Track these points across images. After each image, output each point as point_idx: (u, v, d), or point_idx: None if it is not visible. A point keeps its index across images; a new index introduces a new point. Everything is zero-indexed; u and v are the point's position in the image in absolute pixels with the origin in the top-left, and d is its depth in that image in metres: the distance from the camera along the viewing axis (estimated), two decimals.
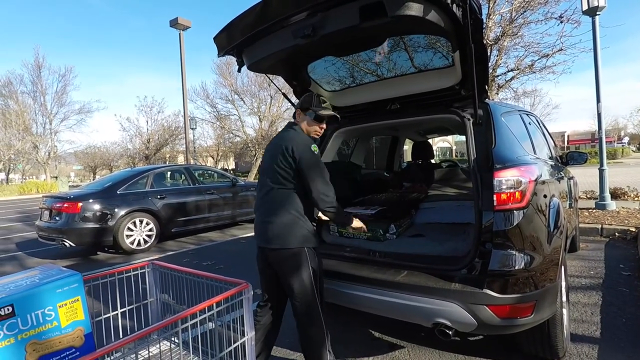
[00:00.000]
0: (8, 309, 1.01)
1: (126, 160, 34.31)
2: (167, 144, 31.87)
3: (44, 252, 6.40)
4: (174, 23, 11.95)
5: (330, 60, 2.61)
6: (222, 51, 2.26)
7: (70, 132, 36.42)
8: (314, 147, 1.90)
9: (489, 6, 7.56)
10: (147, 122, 31.64)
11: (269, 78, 3.04)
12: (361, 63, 2.67)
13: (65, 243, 5.53)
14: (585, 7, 6.42)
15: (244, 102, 27.28)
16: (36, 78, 32.28)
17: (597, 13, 6.40)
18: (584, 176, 11.21)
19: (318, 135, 2.08)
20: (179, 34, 12.23)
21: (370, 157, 4.95)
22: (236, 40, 2.12)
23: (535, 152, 2.59)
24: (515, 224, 1.85)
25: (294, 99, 3.08)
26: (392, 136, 4.69)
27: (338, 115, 2.12)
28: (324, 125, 2.07)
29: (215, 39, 2.24)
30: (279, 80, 2.94)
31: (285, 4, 1.79)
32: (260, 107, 27.38)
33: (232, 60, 2.41)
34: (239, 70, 2.46)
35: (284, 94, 3.14)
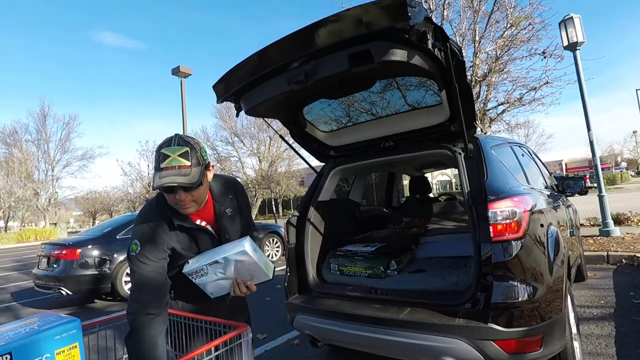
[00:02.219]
0: (6, 357, 1.00)
1: (126, 204, 34.37)
2: None
3: (39, 301, 6.26)
4: (176, 71, 12.41)
5: (324, 102, 2.71)
6: (221, 98, 2.36)
7: (72, 178, 36.70)
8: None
9: (474, 46, 7.93)
10: (147, 165, 32.02)
11: (266, 121, 3.15)
12: (356, 103, 2.77)
13: (62, 291, 5.42)
14: (565, 43, 6.75)
15: (244, 144, 27.81)
16: (41, 126, 33.14)
17: (577, 48, 6.71)
18: (585, 203, 11.21)
19: (185, 208, 1.33)
20: (181, 81, 12.68)
21: (369, 193, 5.00)
22: (234, 88, 2.22)
23: (528, 182, 2.63)
24: (514, 255, 1.85)
25: (291, 141, 3.17)
26: (389, 172, 4.76)
27: (183, 167, 1.25)
28: (181, 194, 1.29)
29: (214, 87, 2.35)
30: (277, 123, 3.04)
31: (280, 54, 1.90)
32: (260, 148, 27.87)
33: (232, 104, 2.51)
34: (237, 115, 2.55)
35: (281, 136, 3.23)
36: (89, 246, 5.72)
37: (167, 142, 1.28)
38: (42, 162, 33.79)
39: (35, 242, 24.67)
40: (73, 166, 34.71)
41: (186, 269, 1.36)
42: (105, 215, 39.70)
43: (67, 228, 30.77)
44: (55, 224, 29.59)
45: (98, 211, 41.03)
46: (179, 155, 1.24)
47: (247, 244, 1.35)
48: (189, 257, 1.43)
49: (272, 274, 1.44)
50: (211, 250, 1.44)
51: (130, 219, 6.60)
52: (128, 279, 5.83)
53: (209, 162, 1.38)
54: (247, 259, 1.34)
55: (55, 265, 5.65)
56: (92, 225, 34.74)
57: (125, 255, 5.81)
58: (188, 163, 1.25)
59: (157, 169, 1.25)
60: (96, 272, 5.60)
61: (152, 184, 1.33)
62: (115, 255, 5.81)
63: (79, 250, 5.57)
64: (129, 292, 4.85)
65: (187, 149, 1.27)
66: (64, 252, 5.60)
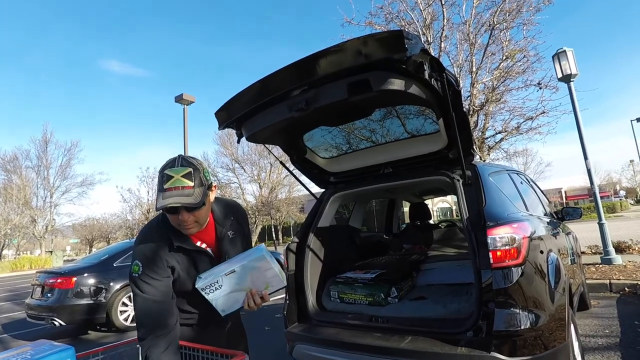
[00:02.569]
0: None
1: (125, 231, 34.08)
2: None
3: (31, 333, 6.07)
4: (179, 98, 12.67)
5: (324, 129, 2.77)
6: (223, 124, 2.41)
7: (70, 205, 36.50)
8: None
9: (472, 76, 8.15)
10: (147, 192, 32.01)
11: (267, 148, 3.20)
12: (356, 130, 2.83)
13: (55, 322, 5.27)
14: (559, 75, 6.95)
15: (245, 170, 27.97)
16: (42, 153, 33.37)
17: (572, 80, 6.90)
18: (586, 231, 11.14)
19: (188, 228, 1.33)
20: (183, 108, 12.92)
21: (369, 219, 5.00)
22: (236, 115, 2.27)
23: (527, 209, 2.64)
24: (514, 281, 1.84)
25: (292, 167, 3.21)
26: (389, 199, 4.78)
27: (186, 187, 1.25)
28: (183, 215, 1.28)
29: (216, 113, 2.40)
30: (278, 149, 3.09)
31: (282, 82, 1.96)
32: (261, 174, 28.02)
33: (233, 130, 2.55)
34: (238, 142, 2.60)
35: (281, 162, 3.28)
36: (85, 274, 5.63)
37: (171, 163, 1.28)
38: (41, 189, 33.80)
39: (30, 270, 24.24)
40: (72, 193, 34.67)
41: (199, 283, 1.33)
42: (103, 243, 39.28)
43: (64, 256, 30.32)
44: (51, 251, 29.23)
45: (95, 238, 40.65)
46: (182, 176, 1.25)
47: (264, 248, 1.36)
48: (186, 281, 1.40)
49: (286, 281, 1.43)
50: (222, 263, 1.41)
51: (128, 246, 6.53)
52: (124, 308, 5.72)
53: (211, 183, 1.38)
54: (264, 265, 1.33)
55: (49, 295, 5.52)
56: (89, 252, 34.31)
57: (122, 284, 5.76)
58: (191, 184, 1.25)
59: (161, 189, 1.25)
60: (91, 302, 5.48)
61: (155, 204, 1.27)
62: (111, 284, 5.71)
63: (74, 279, 5.47)
64: (124, 323, 4.68)
65: (191, 169, 1.27)
66: (59, 280, 5.49)
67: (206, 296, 1.33)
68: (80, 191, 34.91)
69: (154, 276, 1.31)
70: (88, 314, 5.46)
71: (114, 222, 36.99)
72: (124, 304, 5.75)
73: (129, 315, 5.76)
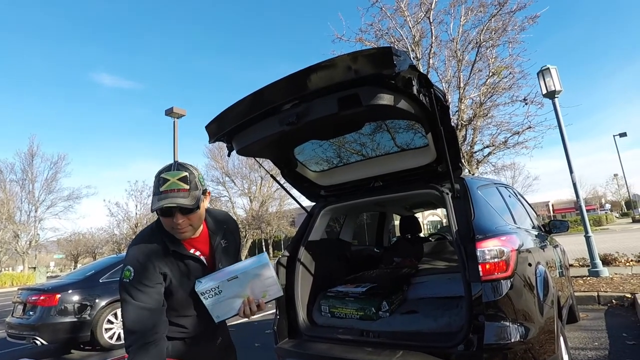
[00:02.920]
0: None
1: (111, 246, 33.39)
2: None
3: (10, 354, 5.82)
4: (169, 112, 12.63)
5: (315, 143, 2.79)
6: (213, 138, 2.41)
7: (56, 220, 35.66)
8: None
9: (459, 92, 8.33)
10: (136, 206, 31.54)
11: (257, 161, 3.20)
12: (346, 144, 2.86)
13: (37, 341, 5.07)
14: (544, 92, 7.15)
15: (235, 184, 27.83)
16: (27, 166, 32.61)
17: (556, 96, 7.09)
18: (573, 244, 11.28)
19: (182, 231, 1.34)
20: (174, 121, 12.88)
21: (360, 233, 4.99)
22: (226, 128, 2.28)
23: (515, 222, 2.67)
24: (504, 294, 1.85)
25: (283, 180, 3.21)
26: (380, 212, 4.79)
27: (181, 190, 1.28)
28: (177, 217, 1.30)
29: (207, 127, 2.41)
30: (269, 162, 3.09)
31: (273, 96, 1.98)
32: (251, 188, 27.92)
33: (223, 144, 2.56)
34: (228, 155, 2.60)
35: (272, 176, 3.27)
36: (70, 291, 5.47)
37: (167, 168, 1.32)
38: (26, 203, 32.98)
39: (11, 288, 23.49)
40: (58, 207, 33.83)
41: (199, 287, 1.32)
42: (89, 258, 38.38)
43: (47, 272, 29.49)
44: (35, 268, 28.43)
45: (81, 254, 39.72)
46: (178, 179, 1.28)
47: (266, 257, 1.38)
48: (177, 290, 1.39)
49: (282, 291, 1.45)
50: (222, 269, 1.41)
51: (115, 261, 6.40)
52: (109, 326, 5.57)
53: (206, 189, 1.40)
54: (266, 273, 1.35)
55: (31, 313, 5.34)
56: (74, 268, 33.46)
57: (108, 301, 5.61)
58: (187, 187, 1.28)
59: (156, 193, 1.28)
60: (75, 319, 5.31)
61: (150, 207, 1.30)
62: (97, 301, 5.56)
63: (58, 296, 5.30)
64: (109, 341, 4.54)
65: (186, 174, 1.31)
66: (42, 297, 5.32)
67: (204, 301, 1.31)
68: (67, 205, 34.12)
69: (145, 282, 1.29)
70: (72, 333, 5.29)
71: (101, 237, 36.23)
72: (110, 322, 5.60)
73: (114, 333, 5.61)
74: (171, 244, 1.37)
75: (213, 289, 1.30)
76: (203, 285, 1.31)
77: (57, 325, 5.19)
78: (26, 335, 5.21)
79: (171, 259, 1.37)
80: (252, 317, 1.38)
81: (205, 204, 1.41)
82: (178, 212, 1.29)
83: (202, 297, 1.31)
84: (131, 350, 1.25)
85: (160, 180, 1.29)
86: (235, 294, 1.33)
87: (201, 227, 1.44)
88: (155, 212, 1.28)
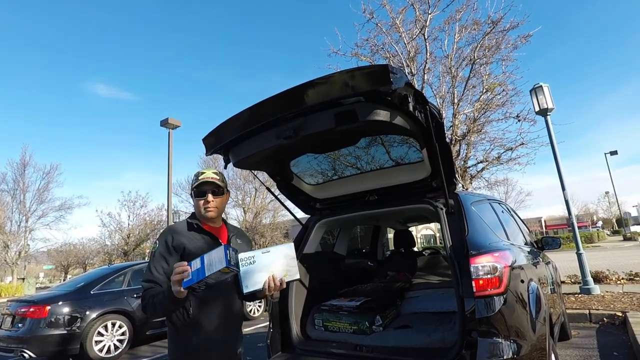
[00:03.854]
0: None
1: (103, 257, 32.82)
2: (147, 238, 31.02)
3: None
4: (164, 123, 12.64)
5: (311, 156, 2.82)
6: (211, 150, 2.44)
7: (46, 230, 34.96)
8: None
9: (454, 107, 8.45)
10: (128, 216, 31.17)
11: (253, 173, 3.22)
12: (342, 157, 2.89)
13: (26, 354, 4.98)
14: (537, 109, 7.27)
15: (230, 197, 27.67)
16: (19, 176, 32.16)
17: (548, 114, 7.22)
18: (565, 261, 11.32)
19: (209, 210, 1.74)
20: (169, 132, 12.88)
21: (354, 246, 4.99)
22: (224, 141, 2.30)
23: (508, 238, 2.70)
24: (497, 310, 1.86)
25: (277, 192, 3.23)
26: (374, 225, 4.80)
27: (215, 178, 1.77)
28: (208, 197, 1.74)
29: (204, 139, 2.43)
30: (263, 174, 3.11)
31: (271, 110, 2.02)
32: (245, 199, 27.76)
33: (218, 155, 2.59)
34: (225, 167, 2.62)
35: (267, 188, 3.29)
36: (60, 302, 5.39)
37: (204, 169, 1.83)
38: (16, 213, 32.45)
39: (0, 299, 22.99)
40: (49, 217, 33.17)
41: (240, 255, 1.47)
42: (79, 269, 37.67)
43: (36, 283, 28.89)
44: (24, 279, 27.81)
45: (71, 264, 38.93)
46: (213, 173, 1.80)
47: (292, 244, 1.63)
48: (190, 260, 1.54)
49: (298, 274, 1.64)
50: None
51: (106, 272, 6.33)
52: (99, 338, 5.48)
53: (228, 189, 1.89)
54: (291, 254, 1.57)
55: (20, 325, 5.24)
56: (64, 279, 32.83)
57: (98, 313, 5.52)
58: (219, 178, 1.79)
59: (196, 180, 1.76)
60: (65, 332, 5.22)
61: (191, 187, 1.81)
62: (87, 313, 5.48)
63: (48, 307, 5.22)
64: (99, 354, 4.45)
65: (218, 171, 1.84)
66: (31, 309, 5.23)
67: (241, 268, 1.45)
68: (58, 215, 33.51)
69: (162, 251, 1.66)
70: (61, 345, 5.19)
71: (92, 247, 35.58)
72: (100, 334, 5.50)
73: (104, 346, 5.50)
74: (195, 221, 1.77)
75: (249, 258, 1.48)
76: (242, 254, 1.48)
77: (47, 338, 5.10)
78: (14, 347, 5.11)
79: (193, 233, 1.73)
80: (273, 295, 1.61)
81: (226, 198, 1.86)
82: (210, 193, 1.74)
83: (240, 264, 1.45)
84: (144, 294, 1.58)
85: (199, 174, 1.78)
86: (264, 268, 1.50)
87: (221, 222, 1.86)
88: (196, 190, 1.75)
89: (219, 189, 1.77)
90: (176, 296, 1.39)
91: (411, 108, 1.81)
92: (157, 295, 1.52)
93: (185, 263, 1.40)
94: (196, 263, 1.38)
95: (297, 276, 1.59)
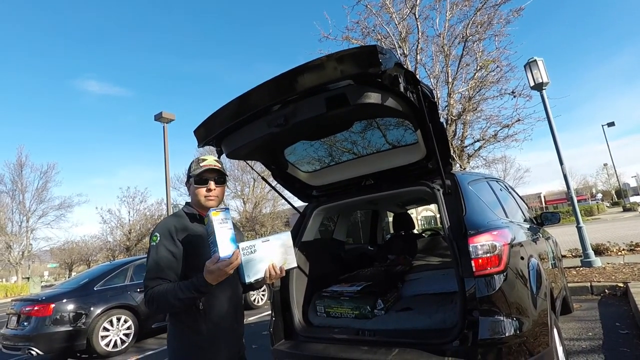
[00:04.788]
0: None
1: (105, 253, 32.99)
2: (149, 233, 31.13)
3: None
4: (159, 117, 12.53)
5: (306, 143, 2.78)
6: (202, 142, 2.40)
7: (48, 229, 34.98)
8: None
9: (448, 87, 8.36)
10: (129, 212, 31.20)
11: (248, 164, 3.18)
12: (337, 143, 2.85)
13: (33, 351, 5.05)
14: (532, 84, 7.19)
15: (228, 187, 27.63)
16: (17, 177, 32.09)
17: (544, 88, 7.14)
18: (565, 235, 11.41)
19: (211, 199, 1.69)
20: (163, 126, 12.78)
21: (354, 231, 5.00)
22: (215, 132, 2.26)
23: (507, 216, 2.69)
24: (497, 289, 1.86)
25: (274, 182, 3.20)
26: (372, 210, 4.80)
27: (218, 166, 1.70)
28: (210, 185, 1.68)
29: (195, 131, 2.39)
30: (260, 164, 3.08)
31: (260, 98, 1.97)
32: (244, 190, 27.76)
33: (213, 147, 2.55)
34: (218, 158, 2.58)
35: (263, 178, 3.27)
36: (64, 300, 5.42)
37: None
38: (17, 213, 32.45)
39: (5, 299, 23.17)
40: (49, 216, 33.26)
41: (240, 244, 1.48)
42: (83, 266, 37.92)
43: (41, 282, 29.09)
44: (28, 278, 27.96)
45: (75, 262, 39.19)
46: (215, 160, 1.73)
47: (289, 233, 1.65)
48: (197, 251, 1.59)
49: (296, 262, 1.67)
50: None
51: (109, 268, 6.35)
52: (105, 333, 5.53)
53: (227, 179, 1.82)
54: (289, 243, 1.60)
55: (25, 324, 5.29)
56: (69, 277, 33.08)
57: (103, 309, 5.57)
58: (220, 165, 1.73)
59: (198, 167, 1.67)
60: (70, 328, 5.28)
61: (189, 173, 1.71)
62: (92, 309, 5.52)
63: (52, 305, 5.27)
64: (105, 348, 4.51)
65: (218, 159, 1.79)
66: (36, 308, 5.28)
67: (242, 257, 1.45)
68: (58, 214, 33.57)
69: (167, 245, 1.58)
70: (67, 342, 5.25)
71: (94, 244, 35.73)
72: (106, 329, 5.56)
73: (110, 340, 5.56)
74: (194, 211, 1.71)
75: (250, 247, 1.48)
76: (243, 244, 1.48)
77: (53, 335, 5.16)
78: (21, 346, 5.17)
79: (195, 224, 1.67)
80: (274, 282, 1.66)
81: (224, 188, 1.79)
82: (212, 181, 1.68)
83: (242, 252, 1.45)
84: (149, 291, 1.50)
85: (200, 160, 1.70)
86: (264, 257, 1.51)
87: (223, 199, 1.80)
88: (196, 177, 1.65)
89: (222, 177, 1.72)
90: (211, 284, 1.42)
91: (402, 89, 1.77)
92: (171, 290, 1.46)
93: (238, 251, 1.42)
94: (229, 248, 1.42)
95: (295, 264, 1.59)
